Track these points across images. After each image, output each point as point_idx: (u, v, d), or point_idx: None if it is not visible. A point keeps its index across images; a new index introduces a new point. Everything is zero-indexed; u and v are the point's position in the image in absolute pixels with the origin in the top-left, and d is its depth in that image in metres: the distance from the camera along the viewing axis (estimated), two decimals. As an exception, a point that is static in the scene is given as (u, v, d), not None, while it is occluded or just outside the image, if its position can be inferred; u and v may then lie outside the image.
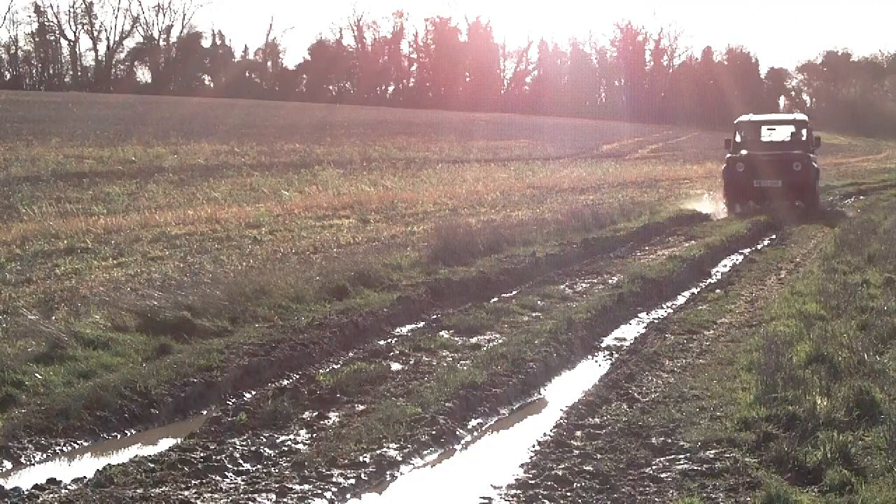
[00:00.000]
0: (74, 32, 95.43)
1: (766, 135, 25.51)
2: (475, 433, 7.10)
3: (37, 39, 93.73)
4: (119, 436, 6.98)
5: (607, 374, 8.38)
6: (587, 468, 5.93)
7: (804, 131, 24.90)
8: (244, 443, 6.47)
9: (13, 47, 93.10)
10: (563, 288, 12.38)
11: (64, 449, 6.61)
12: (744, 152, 24.07)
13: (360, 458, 6.15)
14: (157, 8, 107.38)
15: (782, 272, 13.88)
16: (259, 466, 6.09)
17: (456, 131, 57.11)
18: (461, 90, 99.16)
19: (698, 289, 12.78)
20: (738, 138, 24.93)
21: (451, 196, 24.75)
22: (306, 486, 5.75)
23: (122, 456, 6.50)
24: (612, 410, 7.13)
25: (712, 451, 6.12)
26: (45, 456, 6.48)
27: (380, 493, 5.94)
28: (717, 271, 14.56)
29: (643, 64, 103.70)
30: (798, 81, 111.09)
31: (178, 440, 6.61)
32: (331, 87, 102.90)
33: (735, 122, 25.99)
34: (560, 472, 5.84)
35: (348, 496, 5.79)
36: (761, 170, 23.53)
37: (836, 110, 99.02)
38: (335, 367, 8.42)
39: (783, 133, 25.42)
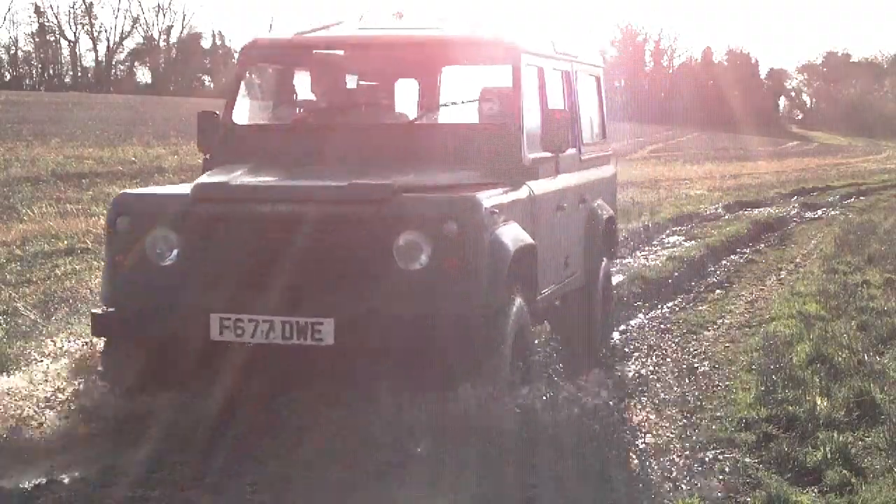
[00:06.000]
0: (74, 33, 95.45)
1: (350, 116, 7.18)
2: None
3: (37, 40, 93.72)
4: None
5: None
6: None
7: (522, 90, 6.76)
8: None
9: (13, 48, 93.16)
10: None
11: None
12: (221, 179, 6.23)
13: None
14: (157, 8, 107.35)
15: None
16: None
17: (456, 132, 57.01)
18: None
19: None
20: (238, 130, 7.04)
21: (451, 196, 24.70)
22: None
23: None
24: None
25: (712, 452, 6.11)
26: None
27: None
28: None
29: (643, 64, 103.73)
30: (798, 82, 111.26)
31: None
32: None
33: (242, 52, 7.35)
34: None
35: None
36: (256, 266, 5.83)
37: (836, 111, 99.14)
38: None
39: (407, 102, 7.94)
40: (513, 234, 6.06)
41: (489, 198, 5.95)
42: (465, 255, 5.67)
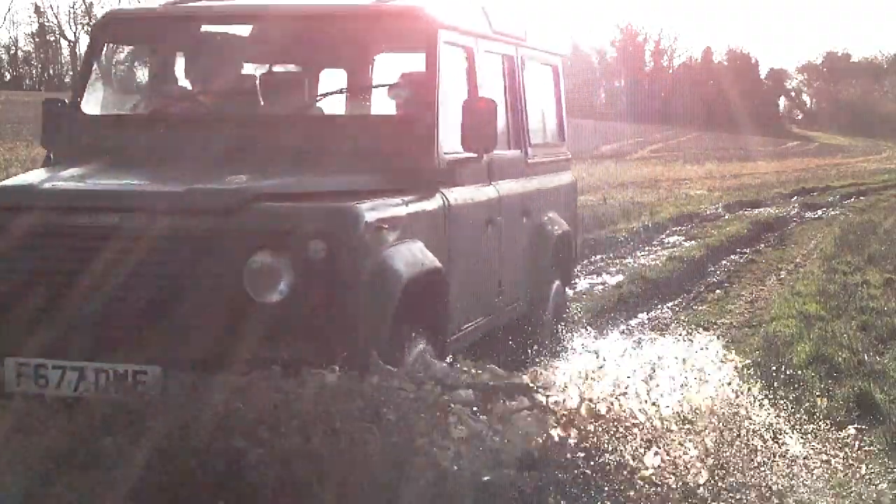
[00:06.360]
0: (74, 33, 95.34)
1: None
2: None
3: (37, 40, 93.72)
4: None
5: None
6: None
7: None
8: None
9: (13, 48, 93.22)
10: (562, 288, 11.98)
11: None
12: (28, 181, 4.88)
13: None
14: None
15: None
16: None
17: (456, 132, 57.01)
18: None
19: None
20: (86, 122, 5.64)
21: (451, 196, 24.68)
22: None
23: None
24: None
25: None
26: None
27: None
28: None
29: (643, 64, 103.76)
30: (798, 82, 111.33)
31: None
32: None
33: (94, 28, 6.17)
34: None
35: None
36: (66, 296, 4.39)
37: (836, 111, 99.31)
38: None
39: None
40: (410, 257, 4.64)
41: (376, 208, 4.55)
42: (337, 283, 4.26)
